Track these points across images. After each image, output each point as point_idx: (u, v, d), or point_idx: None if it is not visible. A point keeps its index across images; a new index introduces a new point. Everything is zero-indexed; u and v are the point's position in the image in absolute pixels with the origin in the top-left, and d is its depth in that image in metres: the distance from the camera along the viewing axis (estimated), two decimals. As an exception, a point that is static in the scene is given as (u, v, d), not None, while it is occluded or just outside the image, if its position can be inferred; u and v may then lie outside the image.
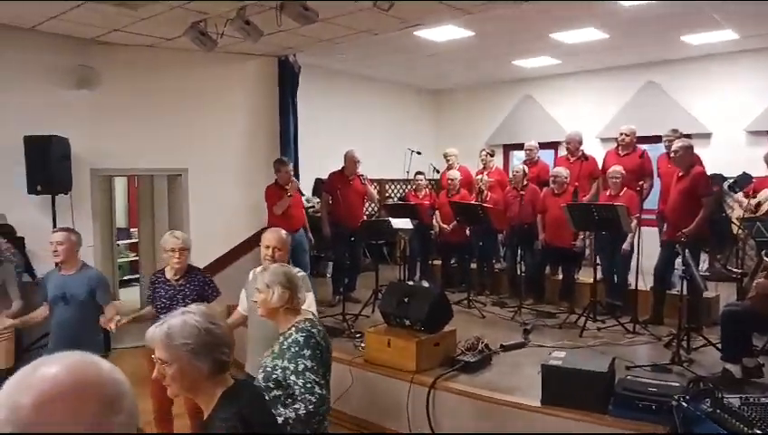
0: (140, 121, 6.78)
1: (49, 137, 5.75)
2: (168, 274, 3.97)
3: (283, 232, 3.61)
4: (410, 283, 6.60)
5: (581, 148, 6.97)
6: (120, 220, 9.99)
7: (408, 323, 4.57)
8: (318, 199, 8.05)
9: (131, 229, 10.21)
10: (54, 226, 5.82)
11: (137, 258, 9.73)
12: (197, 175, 7.18)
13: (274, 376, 2.49)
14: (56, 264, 4.11)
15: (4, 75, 5.93)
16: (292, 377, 2.46)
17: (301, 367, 2.46)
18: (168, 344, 1.77)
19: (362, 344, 4.92)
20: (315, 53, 7.43)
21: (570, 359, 3.89)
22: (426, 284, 6.56)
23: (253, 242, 6.70)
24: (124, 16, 5.54)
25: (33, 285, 5.69)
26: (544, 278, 6.82)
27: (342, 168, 6.93)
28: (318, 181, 8.29)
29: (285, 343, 2.55)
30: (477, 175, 7.49)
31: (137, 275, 9.30)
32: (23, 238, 5.74)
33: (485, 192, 7.13)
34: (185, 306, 3.61)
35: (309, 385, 2.44)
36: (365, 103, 9.47)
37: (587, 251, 6.75)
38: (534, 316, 6.08)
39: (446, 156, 7.84)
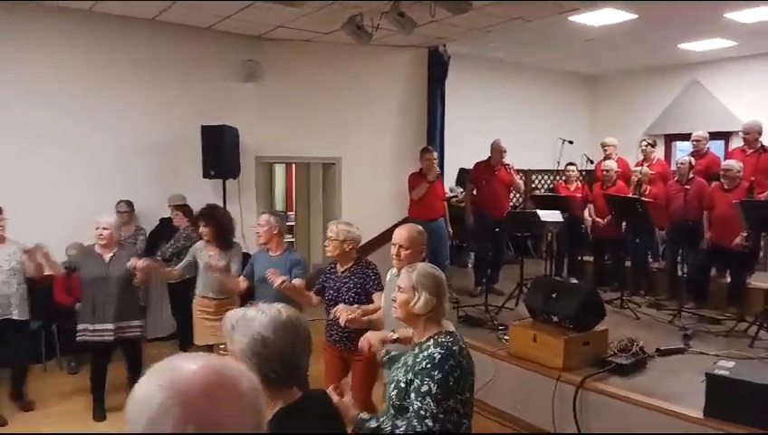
0: (299, 112, 7.23)
1: (221, 127, 6.34)
2: (338, 265, 3.90)
3: (416, 229, 3.28)
4: (557, 278, 6.39)
5: (760, 139, 6.25)
6: (279, 204, 10.74)
7: (555, 319, 4.43)
8: (461, 189, 8.05)
9: (288, 213, 10.95)
10: (224, 208, 6.44)
11: (293, 240, 10.43)
12: (350, 163, 7.52)
13: (397, 389, 2.25)
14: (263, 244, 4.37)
15: (185, 71, 6.64)
16: (412, 394, 2.19)
17: (424, 388, 2.17)
18: (230, 335, 1.61)
19: (506, 337, 4.86)
20: (464, 42, 7.40)
21: (739, 370, 3.54)
22: (573, 280, 6.32)
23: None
24: (288, 13, 5.92)
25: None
26: (708, 280, 6.23)
27: (488, 157, 6.86)
28: (462, 171, 8.28)
29: (420, 356, 2.25)
30: (636, 166, 7.01)
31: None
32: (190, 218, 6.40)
33: (644, 185, 6.66)
34: (349, 299, 3.60)
35: (423, 413, 2.15)
36: (513, 91, 9.26)
37: (761, 253, 6.06)
38: (696, 321, 5.59)
39: (603, 145, 7.42)
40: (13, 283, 4.53)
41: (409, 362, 2.30)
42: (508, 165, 6.75)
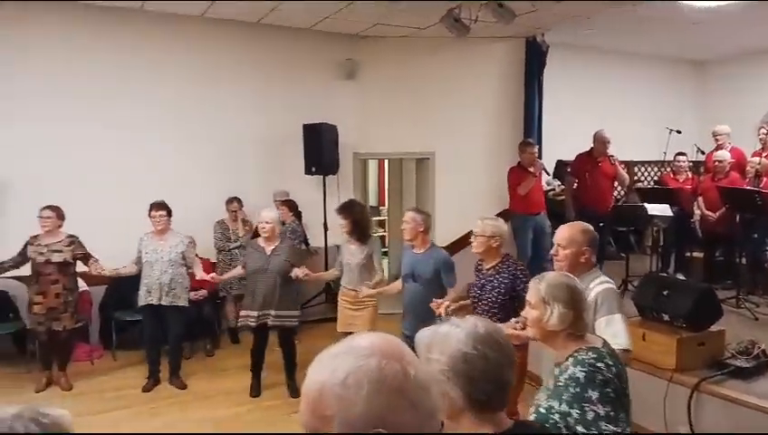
0: (395, 108, 7.32)
1: (321, 125, 6.54)
2: (484, 262, 3.78)
3: (580, 228, 2.85)
4: (664, 275, 6.10)
5: None
6: (371, 199, 10.92)
7: (666, 317, 4.24)
8: (558, 182, 7.83)
9: (380, 207, 11.12)
10: (325, 203, 6.66)
11: (384, 234, 10.59)
12: (444, 157, 7.52)
13: (552, 421, 1.95)
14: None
15: (287, 71, 6.89)
16: (579, 428, 1.91)
17: (590, 415, 1.90)
18: (425, 356, 1.44)
19: (611, 335, 4.71)
20: (561, 30, 7.19)
21: None
22: (681, 277, 6.01)
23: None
24: (386, 10, 6.00)
25: (312, 253, 6.60)
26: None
27: (590, 149, 6.64)
28: (559, 163, 8.05)
29: (561, 378, 1.98)
30: (753, 157, 6.53)
31: (384, 249, 10.12)
32: (301, 213, 6.67)
33: (762, 177, 6.20)
34: (492, 299, 3.54)
35: None
36: (614, 80, 8.87)
37: None
38: (824, 324, 5.16)
39: (714, 135, 6.96)
40: (170, 272, 4.95)
41: (550, 386, 2.05)
42: (612, 156, 6.51)
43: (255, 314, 4.71)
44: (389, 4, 5.70)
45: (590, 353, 2.00)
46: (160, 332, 5.12)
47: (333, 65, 7.10)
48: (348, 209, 4.67)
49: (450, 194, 7.41)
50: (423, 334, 1.47)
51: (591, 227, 2.89)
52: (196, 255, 5.25)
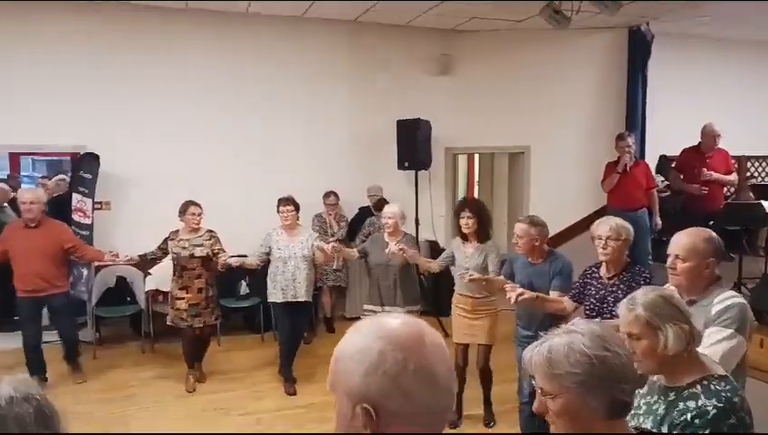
0: (489, 103, 7.24)
1: (416, 120, 6.58)
2: (603, 269, 3.30)
3: (703, 235, 2.41)
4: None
5: None
6: (461, 194, 10.86)
7: (788, 323, 3.95)
8: (662, 179, 7.46)
9: (470, 203, 11.02)
10: (416, 198, 6.70)
11: (474, 230, 10.49)
12: (539, 153, 7.36)
13: None
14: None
15: (383, 68, 6.98)
16: None
17: None
18: (549, 373, 1.37)
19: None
20: (670, 18, 6.82)
21: None
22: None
23: (589, 221, 6.61)
24: (483, 4, 5.95)
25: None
26: None
27: (698, 143, 6.28)
28: (662, 158, 7.67)
29: (681, 405, 1.74)
30: None
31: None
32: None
33: None
34: (615, 312, 2.88)
35: None
36: (725, 70, 8.31)
37: None
38: None
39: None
40: (303, 268, 4.92)
41: (659, 410, 1.80)
42: (707, 173, 6.09)
43: (381, 309, 4.52)
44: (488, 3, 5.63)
45: (724, 385, 1.74)
46: (293, 327, 5.08)
47: (428, 61, 7.12)
48: (476, 206, 4.37)
49: (545, 190, 7.25)
50: (534, 354, 1.41)
51: (714, 234, 2.45)
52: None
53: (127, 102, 6.11)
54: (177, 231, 5.00)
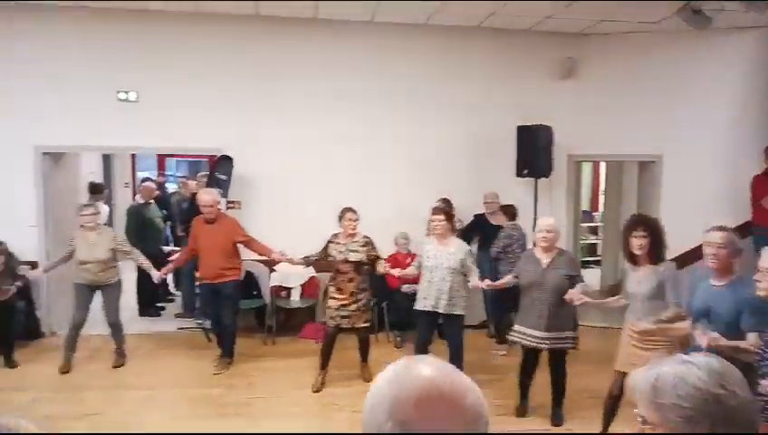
0: (616, 109, 6.89)
1: (537, 126, 6.42)
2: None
3: None
4: None
5: None
6: (584, 204, 10.42)
7: None
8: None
9: (593, 213, 10.56)
10: (535, 207, 6.52)
11: (595, 241, 10.04)
12: (673, 162, 6.88)
13: None
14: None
15: (503, 73, 6.89)
16: None
17: None
18: (653, 401, 1.28)
19: None
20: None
21: None
22: None
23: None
24: (616, 6, 5.68)
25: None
26: None
27: None
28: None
29: None
30: None
31: (595, 258, 9.60)
32: (515, 215, 6.63)
33: None
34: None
35: None
36: None
37: None
38: None
39: None
40: (449, 280, 4.72)
41: None
42: None
43: (526, 330, 4.29)
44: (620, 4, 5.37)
45: None
46: (431, 336, 4.96)
47: (551, 64, 6.91)
48: (651, 223, 3.85)
49: (680, 201, 6.73)
50: (644, 378, 1.32)
51: None
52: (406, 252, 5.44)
53: (261, 109, 6.54)
54: (337, 234, 5.13)
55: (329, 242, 5.14)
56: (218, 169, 6.36)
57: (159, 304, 7.42)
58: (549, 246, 4.27)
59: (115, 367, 5.52)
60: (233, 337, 5.60)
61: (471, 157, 6.90)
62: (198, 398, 4.93)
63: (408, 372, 0.95)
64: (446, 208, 4.91)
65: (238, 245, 5.51)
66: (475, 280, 4.73)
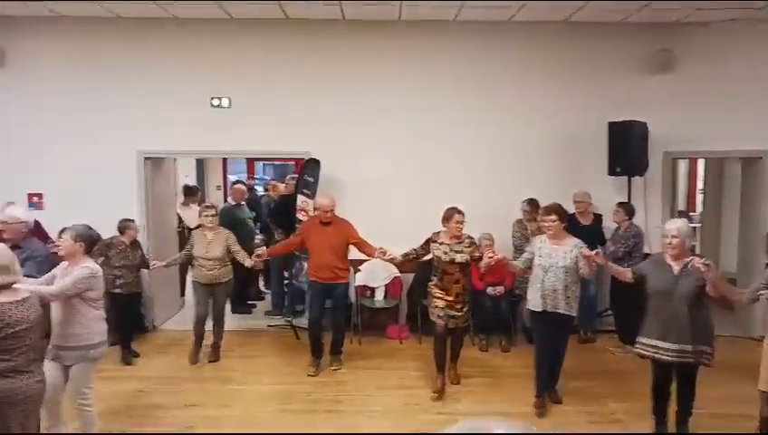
0: (715, 102, 6.52)
1: (629, 122, 6.14)
2: None
3: None
4: None
5: None
6: (680, 203, 9.88)
7: None
8: None
9: (690, 213, 9.99)
10: (628, 206, 6.23)
11: (694, 243, 9.49)
12: (781, 158, 6.38)
13: None
14: None
15: (592, 68, 6.64)
16: None
17: None
18: None
19: None
20: None
21: None
22: None
23: None
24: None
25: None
26: None
27: None
28: None
29: None
30: None
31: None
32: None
33: None
34: None
35: None
36: None
37: None
38: None
39: None
40: (563, 279, 4.51)
41: None
42: None
43: (654, 343, 3.97)
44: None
45: None
46: (548, 339, 4.69)
47: (644, 58, 6.59)
48: None
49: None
50: None
51: None
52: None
53: (347, 112, 6.66)
54: (439, 233, 5.03)
55: (430, 241, 5.05)
56: (306, 171, 6.53)
57: (251, 302, 7.71)
58: (679, 252, 3.91)
59: (211, 361, 5.79)
60: (343, 335, 5.77)
61: (558, 155, 6.70)
62: (289, 393, 5.08)
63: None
64: (558, 208, 4.66)
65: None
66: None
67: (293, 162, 10.98)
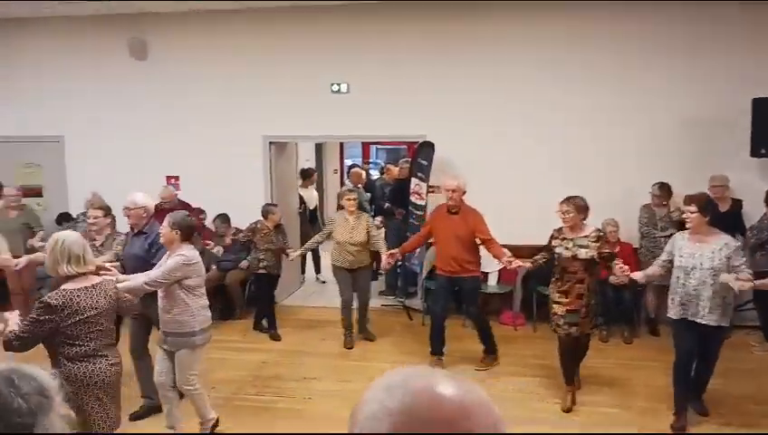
0: None
1: (779, 98, 5.54)
2: None
3: None
4: None
5: None
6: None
7: None
8: None
9: None
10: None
11: None
12: None
13: None
14: None
15: (734, 39, 6.02)
16: None
17: None
18: None
19: None
20: None
21: None
22: None
23: None
24: None
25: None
26: None
27: None
28: None
29: None
30: None
31: None
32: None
33: None
34: None
35: None
36: None
37: None
38: None
39: None
40: (710, 283, 3.96)
41: None
42: None
43: None
44: None
45: None
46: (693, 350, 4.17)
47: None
48: None
49: None
50: None
51: None
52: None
53: (461, 96, 6.57)
54: (561, 229, 4.50)
55: (551, 238, 4.57)
56: (420, 154, 6.55)
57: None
58: None
59: (366, 339, 5.94)
60: (488, 332, 5.31)
61: (692, 137, 6.17)
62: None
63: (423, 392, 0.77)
64: (702, 198, 4.08)
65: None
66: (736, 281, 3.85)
67: (406, 146, 11.08)
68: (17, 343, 2.89)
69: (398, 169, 8.07)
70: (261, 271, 6.01)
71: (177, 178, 7.17)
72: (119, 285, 3.39)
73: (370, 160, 13.31)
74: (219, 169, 6.91)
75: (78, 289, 2.99)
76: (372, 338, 5.98)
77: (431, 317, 5.44)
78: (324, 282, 7.86)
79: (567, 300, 4.41)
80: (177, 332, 3.78)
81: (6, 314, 3.08)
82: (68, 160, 7.40)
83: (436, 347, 5.31)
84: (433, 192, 6.59)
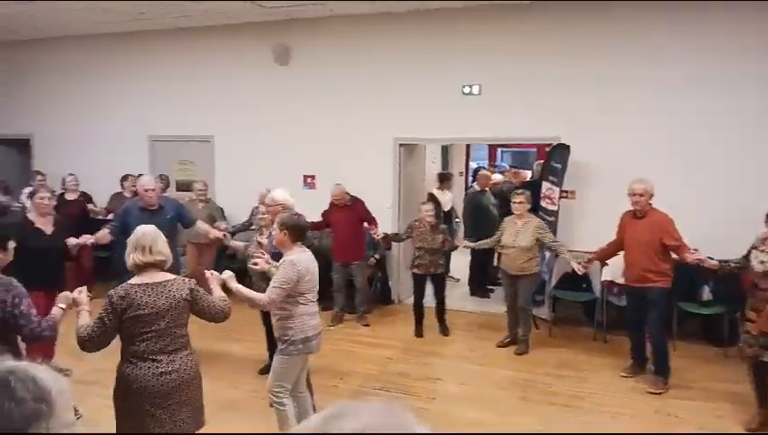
0: None
1: None
2: None
3: None
4: None
5: None
6: None
7: None
8: None
9: None
10: None
11: None
12: None
13: None
14: None
15: None
16: None
17: None
18: None
19: None
20: None
21: None
22: None
23: None
24: None
25: None
26: None
27: None
28: None
29: None
30: None
31: None
32: None
33: None
34: None
35: None
36: None
37: None
38: None
39: None
40: None
41: None
42: None
43: None
44: None
45: None
46: None
47: None
48: None
49: None
50: None
51: None
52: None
53: (600, 97, 6.29)
54: (766, 240, 4.04)
55: (752, 247, 4.13)
56: (553, 157, 6.34)
57: (489, 287, 7.81)
58: None
59: (518, 354, 5.64)
60: (664, 351, 4.88)
61: None
62: (528, 381, 5.06)
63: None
64: None
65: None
66: None
67: (536, 148, 10.76)
68: (89, 344, 2.79)
69: (528, 172, 7.88)
70: (415, 269, 6.09)
71: (313, 177, 7.52)
72: (239, 288, 3.36)
73: (496, 163, 13.09)
74: (351, 170, 7.14)
75: (138, 284, 2.83)
76: (521, 352, 5.65)
77: (629, 327, 5.14)
78: (458, 280, 8.05)
79: (759, 319, 3.94)
80: (278, 337, 3.60)
81: (74, 295, 2.99)
82: (217, 158, 8.03)
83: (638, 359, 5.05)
84: (566, 197, 6.36)
